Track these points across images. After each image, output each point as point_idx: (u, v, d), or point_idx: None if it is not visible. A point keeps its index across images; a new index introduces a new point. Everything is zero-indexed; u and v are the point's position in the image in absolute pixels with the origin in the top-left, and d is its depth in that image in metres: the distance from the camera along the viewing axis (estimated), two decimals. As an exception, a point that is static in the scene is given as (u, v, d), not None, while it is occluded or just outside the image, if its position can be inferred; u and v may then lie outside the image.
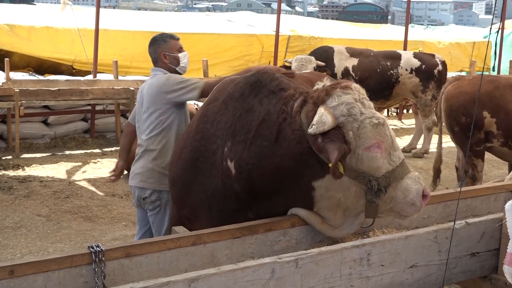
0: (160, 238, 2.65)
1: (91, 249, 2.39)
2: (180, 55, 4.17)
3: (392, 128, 11.22)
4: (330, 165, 2.58)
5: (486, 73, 14.67)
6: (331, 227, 2.86)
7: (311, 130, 2.65)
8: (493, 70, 14.29)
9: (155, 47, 4.16)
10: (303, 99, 2.81)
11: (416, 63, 9.79)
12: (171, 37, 4.20)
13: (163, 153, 4.01)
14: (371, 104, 2.78)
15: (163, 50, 4.13)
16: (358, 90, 2.77)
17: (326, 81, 2.88)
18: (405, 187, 2.71)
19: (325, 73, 7.21)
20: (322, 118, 2.63)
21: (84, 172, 8.09)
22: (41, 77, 10.13)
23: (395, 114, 14.49)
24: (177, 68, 4.16)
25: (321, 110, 2.67)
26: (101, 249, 2.40)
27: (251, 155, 2.85)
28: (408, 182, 2.72)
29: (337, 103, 2.69)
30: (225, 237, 2.71)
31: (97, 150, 9.38)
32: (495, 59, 13.37)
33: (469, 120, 6.02)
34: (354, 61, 9.75)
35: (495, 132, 6.08)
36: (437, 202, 3.35)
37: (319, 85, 2.86)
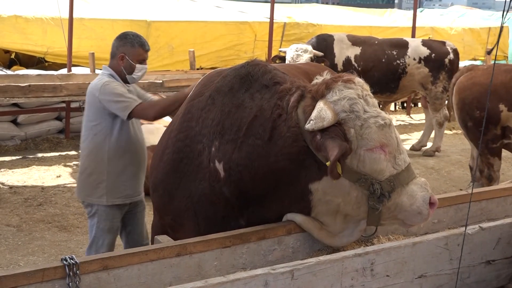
0: (141, 249, 2.64)
1: (65, 262, 2.40)
2: (138, 66, 4.19)
3: (400, 124, 11.23)
4: (327, 163, 2.59)
5: (503, 61, 14.72)
6: (330, 234, 2.86)
7: (308, 126, 2.65)
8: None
9: (120, 44, 4.20)
10: (300, 94, 2.81)
11: (425, 51, 9.80)
12: (141, 45, 4.20)
13: (92, 163, 4.18)
14: (375, 101, 2.79)
15: (125, 51, 4.17)
16: (361, 85, 2.78)
17: (326, 75, 2.89)
18: (410, 194, 2.73)
19: (323, 64, 7.23)
20: (321, 113, 2.64)
21: (59, 176, 8.07)
22: (9, 72, 10.09)
23: (402, 108, 14.51)
24: (127, 76, 4.21)
25: (320, 104, 2.68)
26: (76, 262, 2.40)
27: (242, 155, 2.85)
28: (414, 188, 2.74)
29: (338, 97, 2.69)
30: (213, 247, 2.71)
31: (73, 152, 9.35)
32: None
33: (484, 114, 6.03)
34: (357, 50, 9.76)
35: (513, 127, 6.09)
36: (448, 205, 3.37)
37: (318, 79, 2.87)
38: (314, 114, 2.66)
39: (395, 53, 9.76)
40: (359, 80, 2.80)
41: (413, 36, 12.42)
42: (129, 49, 4.17)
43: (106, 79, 4.13)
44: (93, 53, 9.90)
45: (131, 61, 4.16)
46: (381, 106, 10.27)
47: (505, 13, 2.66)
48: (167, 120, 5.01)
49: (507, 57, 15.75)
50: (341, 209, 2.78)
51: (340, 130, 2.65)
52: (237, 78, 3.01)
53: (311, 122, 2.65)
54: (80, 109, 9.99)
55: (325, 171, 2.69)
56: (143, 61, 4.21)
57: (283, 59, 9.05)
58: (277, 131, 2.78)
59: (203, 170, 3.00)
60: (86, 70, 10.19)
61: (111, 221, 4.21)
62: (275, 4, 11.74)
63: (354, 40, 9.89)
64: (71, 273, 2.38)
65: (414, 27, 12.85)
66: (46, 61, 11.42)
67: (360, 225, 2.84)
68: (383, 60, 9.69)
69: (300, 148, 2.73)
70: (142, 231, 4.44)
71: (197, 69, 10.81)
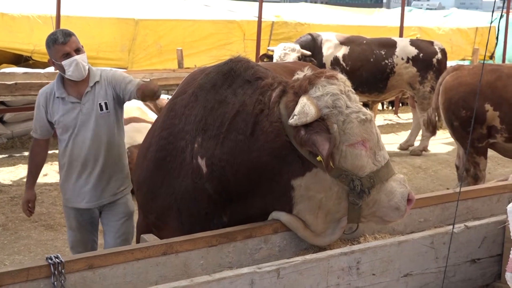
0: (127, 248, 2.64)
1: (50, 261, 2.39)
2: (64, 62, 3.83)
3: (388, 123, 11.21)
4: (318, 158, 2.60)
5: (490, 61, 14.81)
6: (313, 234, 2.87)
7: (292, 121, 2.66)
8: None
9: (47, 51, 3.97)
10: (282, 89, 2.82)
11: (413, 51, 9.83)
12: (54, 41, 3.84)
13: None
14: (357, 97, 2.81)
15: (50, 56, 3.93)
16: (343, 81, 2.79)
17: (307, 71, 2.89)
18: (389, 190, 2.75)
19: (310, 63, 7.23)
20: (305, 109, 2.65)
21: (45, 175, 8.02)
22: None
23: (390, 107, 14.55)
24: (65, 76, 3.93)
25: (303, 100, 2.68)
26: (61, 261, 2.40)
27: (224, 151, 2.86)
28: (393, 185, 2.76)
29: (321, 93, 2.71)
30: (199, 246, 2.71)
31: (60, 151, 9.30)
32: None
33: (470, 113, 6.07)
34: (345, 50, 9.76)
35: (499, 126, 6.13)
36: (434, 204, 3.38)
37: (299, 75, 2.87)
38: (297, 109, 2.67)
39: (383, 52, 9.77)
40: (341, 76, 2.82)
41: (400, 35, 12.46)
42: (50, 52, 3.90)
43: (42, 89, 4.09)
44: (80, 51, 9.83)
45: (57, 62, 3.87)
46: (369, 105, 10.29)
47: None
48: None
49: (494, 57, 15.84)
50: (323, 205, 2.78)
51: (324, 125, 2.66)
52: (220, 75, 3.02)
53: (294, 117, 2.65)
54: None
55: (308, 166, 2.71)
56: (67, 55, 3.83)
57: (271, 57, 9.05)
58: (259, 126, 2.79)
59: (186, 167, 3.00)
60: (73, 68, 10.11)
61: (68, 219, 4.30)
62: (263, 3, 11.74)
63: (343, 40, 9.89)
64: (56, 272, 2.37)
65: (402, 27, 12.90)
66: (32, 59, 11.34)
67: (341, 222, 2.86)
68: (372, 59, 9.69)
69: (282, 143, 2.74)
70: (117, 234, 4.20)
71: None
